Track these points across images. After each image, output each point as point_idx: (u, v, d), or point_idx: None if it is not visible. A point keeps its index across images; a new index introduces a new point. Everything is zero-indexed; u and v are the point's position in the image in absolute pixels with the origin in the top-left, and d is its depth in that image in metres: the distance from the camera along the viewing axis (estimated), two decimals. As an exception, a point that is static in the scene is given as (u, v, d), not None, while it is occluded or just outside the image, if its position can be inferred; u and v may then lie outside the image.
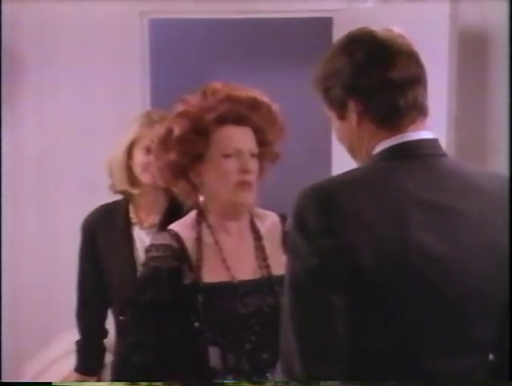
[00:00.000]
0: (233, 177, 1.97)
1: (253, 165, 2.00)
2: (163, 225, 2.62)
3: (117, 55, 3.90)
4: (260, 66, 5.14)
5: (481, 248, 1.48)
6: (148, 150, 2.57)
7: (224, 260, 2.00)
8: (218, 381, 1.79)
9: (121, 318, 2.63)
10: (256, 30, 4.95)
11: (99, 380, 2.77)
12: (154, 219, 2.67)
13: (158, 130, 2.11)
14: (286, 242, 1.57)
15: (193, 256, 1.98)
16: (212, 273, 1.98)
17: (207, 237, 2.02)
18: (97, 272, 2.70)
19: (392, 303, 1.42)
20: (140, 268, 2.07)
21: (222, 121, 2.00)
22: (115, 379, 2.50)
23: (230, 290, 1.96)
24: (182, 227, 2.05)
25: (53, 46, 3.90)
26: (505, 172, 2.44)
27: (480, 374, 1.51)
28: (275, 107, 2.08)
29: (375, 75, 1.50)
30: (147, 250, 2.04)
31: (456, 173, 1.53)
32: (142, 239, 2.65)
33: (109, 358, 2.78)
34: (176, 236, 2.01)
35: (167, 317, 1.95)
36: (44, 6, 3.84)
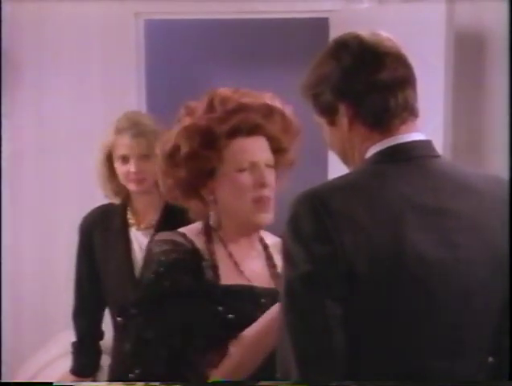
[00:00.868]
0: (250, 193, 1.83)
1: (270, 177, 1.86)
2: (160, 226, 2.63)
3: (113, 56, 3.90)
4: (256, 67, 5.14)
5: (477, 249, 1.48)
6: (124, 159, 2.58)
7: (236, 264, 1.88)
8: (218, 381, 1.76)
9: (119, 319, 2.63)
10: (252, 30, 4.95)
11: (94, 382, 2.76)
12: (152, 220, 2.66)
13: (164, 145, 1.93)
14: (281, 249, 1.52)
15: (206, 256, 1.85)
16: (227, 275, 1.84)
17: (216, 242, 1.89)
18: (94, 273, 2.70)
19: (388, 307, 1.41)
20: (146, 269, 1.86)
21: (234, 133, 1.85)
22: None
23: (250, 294, 1.83)
24: (189, 231, 1.91)
25: (52, 46, 3.92)
26: (503, 172, 2.44)
27: (480, 374, 1.51)
28: (288, 111, 1.95)
29: (364, 78, 1.50)
30: (152, 247, 1.86)
31: (450, 174, 1.53)
32: (140, 240, 2.65)
33: (104, 360, 2.78)
34: (185, 236, 1.87)
35: (190, 306, 1.77)
36: (44, 6, 3.84)
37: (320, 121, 1.59)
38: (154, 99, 4.16)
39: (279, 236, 1.87)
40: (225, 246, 1.89)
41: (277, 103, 1.93)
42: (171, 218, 2.61)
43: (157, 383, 1.66)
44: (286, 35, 5.01)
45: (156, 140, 2.57)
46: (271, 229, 1.98)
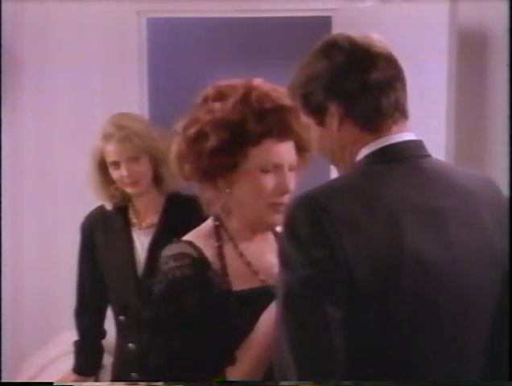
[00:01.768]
0: (269, 196, 1.79)
1: (292, 183, 1.81)
2: (161, 225, 2.63)
3: (115, 55, 3.89)
4: (259, 65, 5.12)
5: (473, 247, 1.48)
6: (115, 164, 2.59)
7: (249, 264, 1.84)
8: (224, 380, 1.74)
9: (121, 318, 2.63)
10: (255, 29, 4.94)
11: (97, 381, 2.76)
12: (153, 219, 2.67)
13: (188, 127, 1.84)
14: (278, 252, 1.49)
15: (215, 265, 1.79)
16: (240, 281, 1.79)
17: (226, 242, 1.84)
18: (96, 272, 2.70)
19: (388, 310, 1.40)
20: (155, 287, 1.79)
21: (267, 134, 1.79)
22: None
23: (265, 296, 1.75)
24: (196, 236, 1.85)
25: (53, 45, 3.90)
26: (505, 173, 2.43)
27: (479, 374, 1.50)
28: None
29: (356, 77, 1.50)
30: (161, 264, 1.79)
31: (442, 172, 1.53)
32: (141, 239, 2.65)
33: (106, 359, 2.78)
34: (192, 245, 1.80)
35: (194, 333, 1.73)
36: (44, 6, 3.84)
37: (309, 121, 1.58)
38: (156, 97, 4.15)
39: None
40: (236, 246, 1.85)
41: None
42: (172, 217, 2.62)
43: (160, 383, 1.65)
44: (289, 34, 5.00)
45: (147, 138, 2.59)
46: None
